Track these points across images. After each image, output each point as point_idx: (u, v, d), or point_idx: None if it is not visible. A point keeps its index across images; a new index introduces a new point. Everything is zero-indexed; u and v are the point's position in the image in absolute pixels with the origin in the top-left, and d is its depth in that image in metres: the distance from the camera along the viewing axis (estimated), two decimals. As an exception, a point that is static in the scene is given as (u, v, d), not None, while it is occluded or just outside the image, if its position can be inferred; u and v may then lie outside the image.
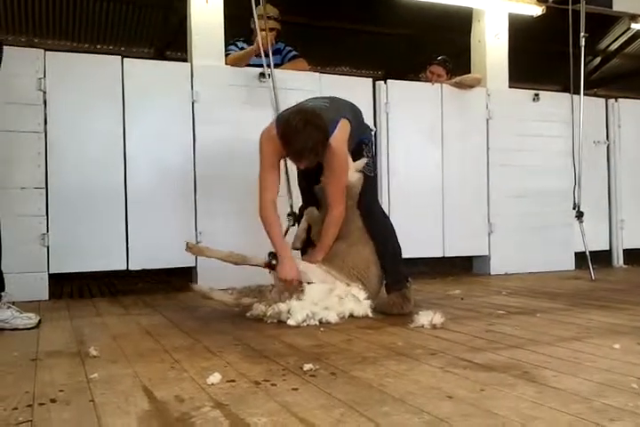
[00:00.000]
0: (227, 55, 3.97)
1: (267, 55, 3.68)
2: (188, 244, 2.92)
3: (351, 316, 2.71)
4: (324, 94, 3.88)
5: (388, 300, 2.88)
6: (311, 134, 2.61)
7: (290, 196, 3.51)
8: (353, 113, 2.96)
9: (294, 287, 2.73)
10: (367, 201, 2.98)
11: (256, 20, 3.73)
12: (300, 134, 2.60)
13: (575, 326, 2.48)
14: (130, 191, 3.66)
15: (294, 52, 4.32)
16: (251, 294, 2.89)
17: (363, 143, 3.01)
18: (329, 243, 2.90)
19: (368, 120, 4.13)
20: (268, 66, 3.71)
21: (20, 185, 3.42)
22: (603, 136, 5.09)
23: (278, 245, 2.80)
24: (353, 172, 2.89)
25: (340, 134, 2.77)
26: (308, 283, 2.75)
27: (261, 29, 3.67)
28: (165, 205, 3.73)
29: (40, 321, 2.62)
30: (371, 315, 2.73)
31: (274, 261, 2.79)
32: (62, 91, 3.53)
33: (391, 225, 3.05)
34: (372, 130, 3.26)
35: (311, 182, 3.00)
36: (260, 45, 3.59)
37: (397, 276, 2.96)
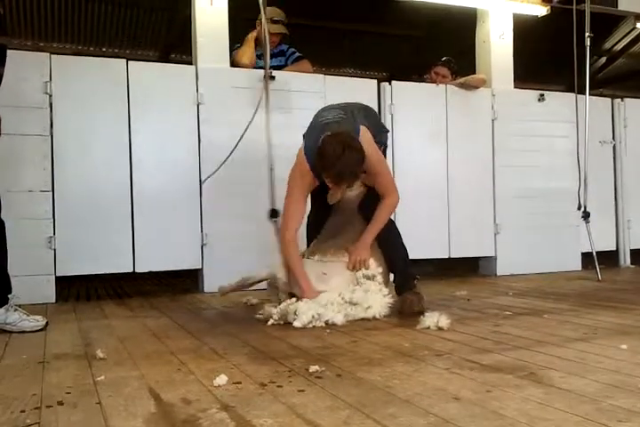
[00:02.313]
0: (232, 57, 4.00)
1: (261, 57, 3.70)
2: (220, 290, 3.21)
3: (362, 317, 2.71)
4: (329, 96, 3.92)
5: (403, 299, 2.87)
6: (351, 157, 2.64)
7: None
8: (368, 118, 2.98)
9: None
10: (369, 206, 2.97)
11: (263, 22, 3.73)
12: (340, 160, 2.62)
13: (582, 327, 2.47)
14: (136, 193, 3.67)
15: (298, 54, 4.32)
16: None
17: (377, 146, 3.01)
18: (379, 226, 2.92)
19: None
20: (270, 68, 3.72)
21: (26, 188, 3.44)
22: (609, 136, 5.07)
23: (299, 274, 2.77)
24: (357, 185, 2.91)
25: (364, 139, 2.80)
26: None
27: (271, 33, 3.69)
28: (171, 208, 3.74)
29: (47, 324, 2.63)
30: (382, 314, 2.73)
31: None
32: (68, 94, 3.54)
33: (396, 228, 3.06)
34: (386, 130, 3.27)
35: (322, 192, 2.99)
36: (266, 36, 3.54)
37: (407, 276, 2.99)
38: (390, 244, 2.99)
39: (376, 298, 2.75)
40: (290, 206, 2.83)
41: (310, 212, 3.14)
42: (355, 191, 2.96)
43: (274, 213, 2.99)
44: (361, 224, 2.97)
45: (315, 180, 2.83)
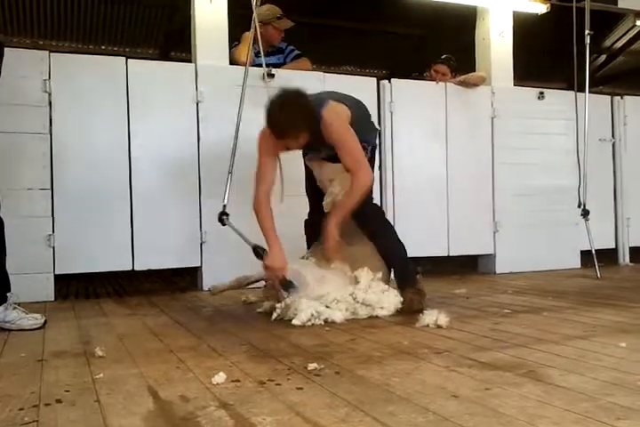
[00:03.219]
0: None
1: (259, 55, 3.70)
2: (211, 290, 3.20)
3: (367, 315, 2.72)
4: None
5: (405, 297, 2.83)
6: (292, 110, 2.63)
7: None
8: (356, 106, 2.94)
9: (279, 279, 2.74)
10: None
11: (255, 20, 3.73)
12: (281, 113, 2.63)
13: (581, 325, 2.47)
14: (135, 191, 3.67)
15: (297, 52, 4.32)
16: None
17: (362, 145, 2.90)
18: (342, 212, 2.80)
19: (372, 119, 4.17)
20: (268, 66, 3.72)
21: (25, 186, 3.43)
22: (608, 134, 5.07)
23: (268, 236, 2.80)
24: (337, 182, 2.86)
25: (331, 108, 2.77)
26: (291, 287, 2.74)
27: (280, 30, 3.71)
28: (171, 205, 3.73)
29: (46, 322, 2.63)
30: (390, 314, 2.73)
31: (260, 251, 2.83)
32: (67, 92, 3.54)
33: (391, 226, 3.03)
34: (376, 129, 3.22)
35: (318, 188, 3.00)
36: (258, 37, 3.57)
37: (407, 272, 2.95)
38: (386, 241, 2.96)
39: (390, 299, 2.76)
40: (259, 170, 2.87)
41: (308, 212, 3.16)
42: (338, 187, 2.87)
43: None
44: (356, 226, 2.94)
45: (278, 142, 2.79)
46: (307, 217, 3.18)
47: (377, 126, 3.25)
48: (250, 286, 3.20)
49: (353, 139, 2.79)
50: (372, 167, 2.98)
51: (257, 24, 3.54)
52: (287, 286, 2.72)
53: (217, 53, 3.89)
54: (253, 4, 3.50)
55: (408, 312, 2.75)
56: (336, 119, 2.77)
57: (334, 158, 2.87)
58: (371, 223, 2.96)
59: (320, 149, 2.90)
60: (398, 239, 2.99)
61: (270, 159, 2.88)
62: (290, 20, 4.20)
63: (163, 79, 3.76)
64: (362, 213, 2.86)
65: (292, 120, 2.65)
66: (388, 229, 3.02)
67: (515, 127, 4.61)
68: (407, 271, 2.96)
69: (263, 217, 2.82)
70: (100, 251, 3.58)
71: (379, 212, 3.14)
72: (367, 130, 3.00)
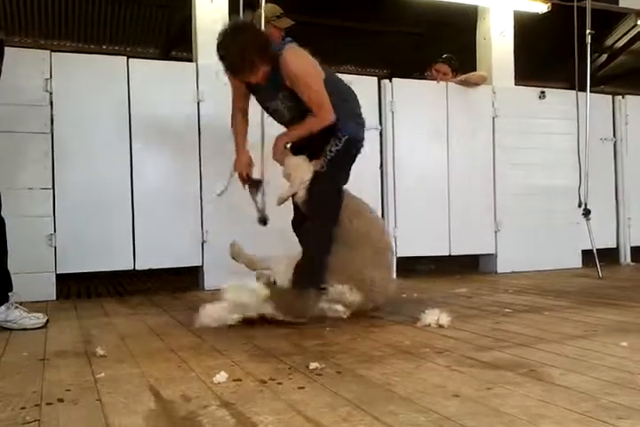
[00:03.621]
0: None
1: None
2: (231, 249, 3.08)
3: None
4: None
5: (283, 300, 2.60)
6: (241, 39, 2.53)
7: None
8: (346, 99, 2.83)
9: (244, 179, 2.94)
10: (318, 190, 2.75)
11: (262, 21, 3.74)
12: (230, 44, 2.54)
13: (582, 324, 2.47)
14: (136, 191, 3.67)
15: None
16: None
17: (335, 134, 2.76)
18: (300, 131, 2.77)
19: (373, 118, 4.17)
20: None
21: (26, 186, 3.44)
22: (610, 133, 5.07)
23: (237, 144, 2.96)
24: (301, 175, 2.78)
25: (294, 48, 2.67)
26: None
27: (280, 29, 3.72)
28: (172, 205, 3.74)
29: (48, 321, 2.63)
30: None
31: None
32: (68, 91, 3.54)
33: (327, 232, 2.73)
34: (359, 122, 2.90)
35: None
36: None
37: (304, 277, 2.67)
38: (313, 235, 2.75)
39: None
40: (232, 93, 2.97)
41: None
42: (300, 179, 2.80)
43: (263, 221, 3.00)
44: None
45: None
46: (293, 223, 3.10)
47: (363, 120, 2.95)
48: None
49: (317, 81, 2.67)
50: (351, 162, 2.86)
51: (262, 23, 3.54)
52: (254, 184, 2.97)
53: (218, 53, 3.89)
54: (262, 3, 3.50)
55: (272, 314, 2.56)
56: (299, 57, 2.66)
57: (294, 112, 2.76)
58: (315, 210, 2.77)
59: (279, 96, 2.74)
60: (323, 245, 2.72)
61: (239, 95, 2.92)
62: (290, 19, 4.19)
63: (164, 78, 3.76)
64: (318, 197, 2.75)
65: (243, 49, 2.52)
66: (324, 226, 2.75)
67: (516, 127, 4.61)
68: (304, 276, 2.68)
69: (235, 131, 2.98)
70: (102, 250, 3.58)
71: (330, 205, 2.79)
72: (346, 118, 2.79)
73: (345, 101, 2.83)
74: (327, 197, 2.78)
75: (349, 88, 2.94)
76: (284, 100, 2.76)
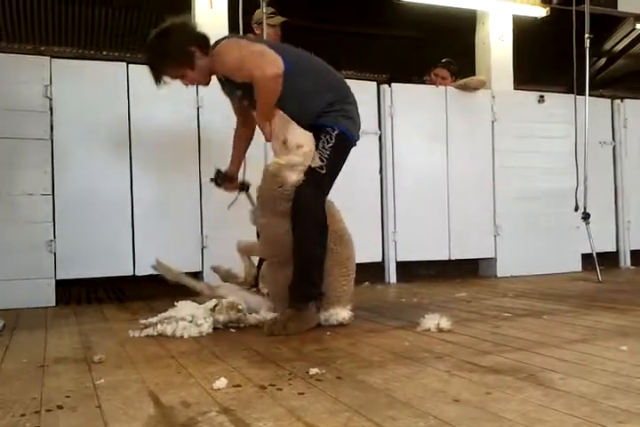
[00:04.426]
0: None
1: None
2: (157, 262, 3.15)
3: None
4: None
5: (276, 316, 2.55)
6: (166, 40, 2.60)
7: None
8: (338, 88, 2.72)
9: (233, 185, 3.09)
10: (305, 194, 2.50)
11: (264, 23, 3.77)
12: (155, 46, 2.65)
13: (582, 328, 2.47)
14: (136, 196, 3.67)
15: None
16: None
17: (324, 130, 2.57)
18: (260, 106, 2.58)
19: (372, 123, 4.18)
20: None
21: (26, 191, 3.44)
22: (609, 137, 5.07)
23: (231, 157, 3.08)
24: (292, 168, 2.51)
25: (228, 42, 2.62)
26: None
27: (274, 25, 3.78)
28: (172, 210, 3.74)
29: (4, 326, 2.60)
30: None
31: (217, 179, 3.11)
32: (68, 97, 3.55)
33: (321, 233, 2.55)
34: (346, 116, 2.68)
35: None
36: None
37: (296, 291, 2.56)
38: (299, 244, 2.53)
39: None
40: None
41: None
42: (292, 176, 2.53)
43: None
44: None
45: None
46: None
47: (351, 115, 2.71)
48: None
49: (232, 57, 2.55)
50: (332, 161, 2.57)
51: (265, 26, 3.57)
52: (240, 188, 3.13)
53: (217, 58, 3.90)
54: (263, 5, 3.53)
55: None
56: (222, 54, 2.58)
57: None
58: (302, 222, 2.53)
59: (235, 86, 2.70)
60: (308, 256, 2.56)
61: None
62: (280, 16, 4.20)
63: (164, 84, 3.76)
64: (303, 207, 2.51)
65: (156, 58, 2.66)
66: (311, 238, 2.55)
67: (515, 131, 4.61)
68: (296, 289, 2.56)
69: (233, 143, 3.08)
70: (102, 256, 3.58)
71: (310, 211, 2.54)
72: (334, 114, 2.61)
73: (327, 92, 2.65)
74: (308, 201, 2.53)
75: (335, 75, 2.77)
76: (245, 91, 2.68)
